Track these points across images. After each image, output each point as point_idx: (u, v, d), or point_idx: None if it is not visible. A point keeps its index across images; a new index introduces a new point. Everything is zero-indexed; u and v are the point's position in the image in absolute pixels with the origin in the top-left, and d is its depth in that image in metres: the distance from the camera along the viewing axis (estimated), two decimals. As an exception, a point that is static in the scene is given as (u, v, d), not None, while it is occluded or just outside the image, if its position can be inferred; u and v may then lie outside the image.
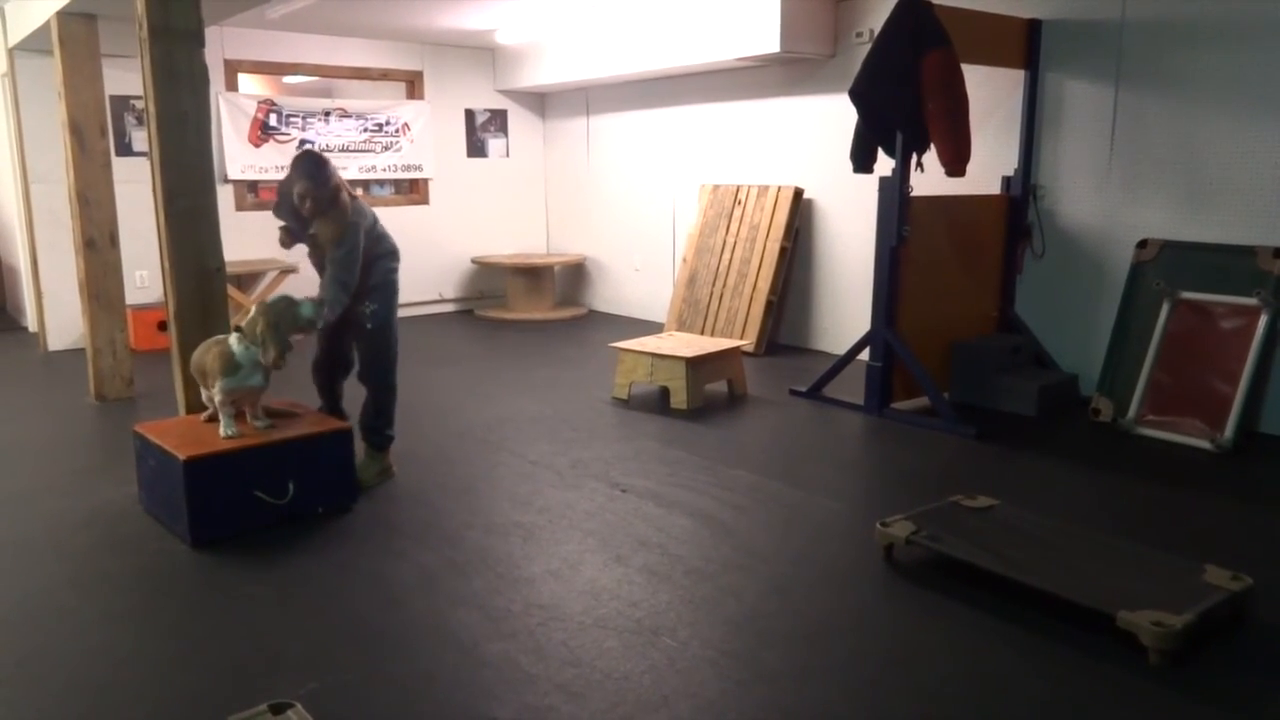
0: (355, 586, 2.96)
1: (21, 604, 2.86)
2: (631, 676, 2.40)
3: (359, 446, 3.90)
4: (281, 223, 3.85)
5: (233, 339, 3.44)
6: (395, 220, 8.17)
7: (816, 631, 2.64)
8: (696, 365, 5.05)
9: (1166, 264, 4.67)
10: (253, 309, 3.49)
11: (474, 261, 8.65)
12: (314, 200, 3.67)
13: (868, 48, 4.72)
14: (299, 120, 7.65)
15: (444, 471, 4.07)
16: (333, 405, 4.14)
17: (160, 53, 3.67)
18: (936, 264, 5.00)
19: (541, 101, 8.92)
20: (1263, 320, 4.28)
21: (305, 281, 7.68)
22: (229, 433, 3.39)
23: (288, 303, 3.51)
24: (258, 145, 7.48)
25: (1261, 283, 4.32)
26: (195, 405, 3.75)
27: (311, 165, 3.70)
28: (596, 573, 3.03)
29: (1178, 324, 4.58)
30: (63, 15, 5.02)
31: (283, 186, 3.83)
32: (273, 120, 7.53)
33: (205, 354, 3.49)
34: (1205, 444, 4.26)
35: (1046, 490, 3.81)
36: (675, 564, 3.09)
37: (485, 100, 8.64)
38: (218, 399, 3.41)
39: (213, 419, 3.55)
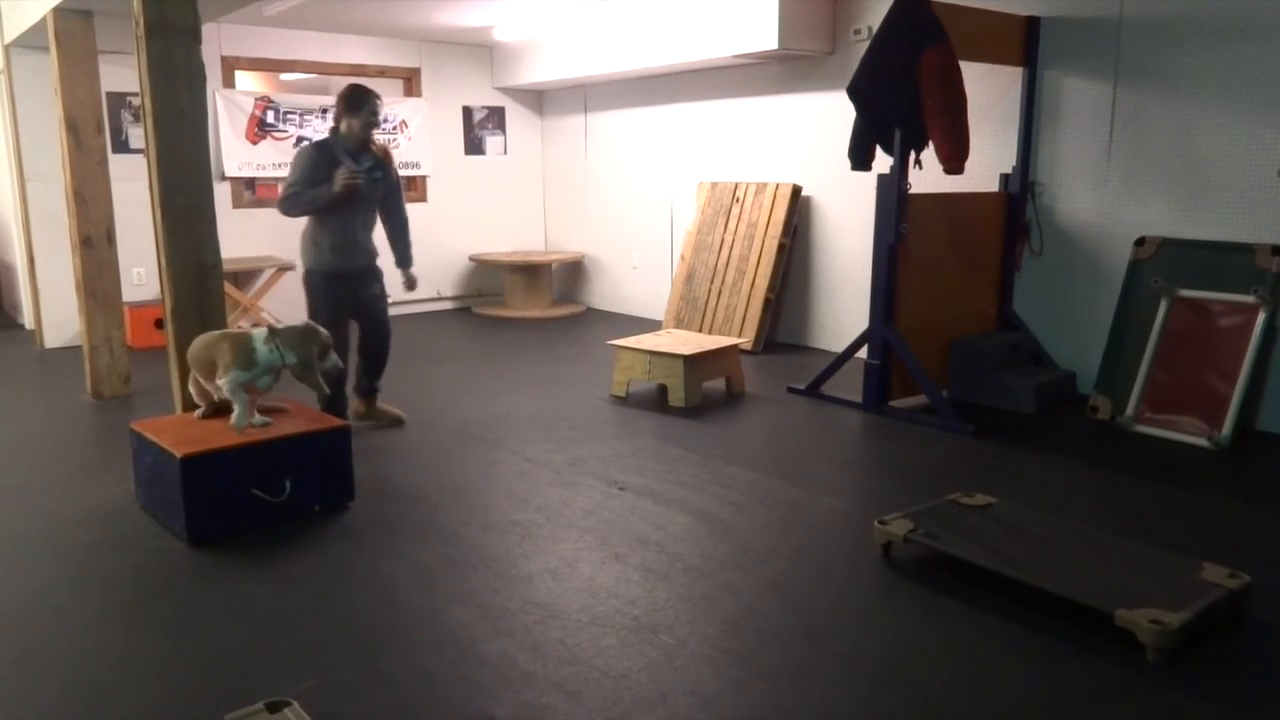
0: (352, 584, 2.96)
1: (18, 602, 2.86)
2: (629, 674, 2.40)
3: (357, 404, 4.60)
4: (349, 168, 4.17)
5: (259, 336, 3.45)
6: (393, 218, 8.24)
7: (814, 629, 2.64)
8: (694, 363, 5.05)
9: (1164, 261, 4.67)
10: (300, 324, 3.54)
11: (472, 259, 8.64)
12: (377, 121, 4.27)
13: (866, 45, 4.71)
14: (296, 117, 7.63)
15: (441, 469, 4.07)
16: (340, 394, 4.38)
17: (157, 49, 3.66)
18: (935, 262, 5.00)
19: (539, 99, 8.91)
20: (1260, 318, 4.28)
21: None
22: (245, 423, 3.39)
23: (329, 341, 3.58)
24: (255, 142, 7.47)
25: (1259, 280, 4.32)
26: (192, 403, 3.74)
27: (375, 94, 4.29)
28: (594, 571, 3.03)
29: (1176, 322, 4.58)
30: (59, 11, 5.00)
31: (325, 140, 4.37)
32: (270, 117, 7.52)
33: (213, 345, 3.46)
34: (1203, 442, 4.26)
35: (1044, 488, 3.81)
36: (673, 562, 3.09)
37: (483, 97, 8.63)
38: (225, 388, 3.40)
39: (210, 416, 3.54)
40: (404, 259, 4.62)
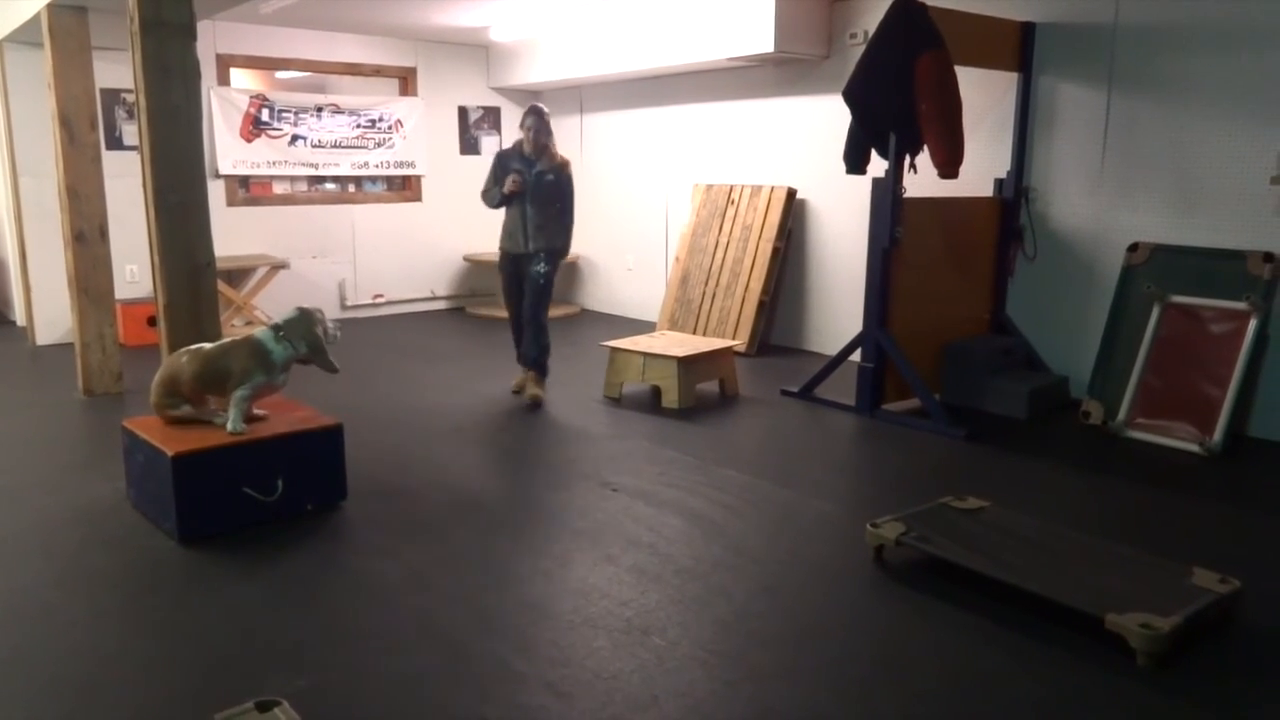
0: (344, 584, 2.95)
1: (7, 601, 2.84)
2: (621, 676, 2.40)
3: (527, 376, 5.27)
4: (515, 171, 5.02)
5: (265, 335, 3.44)
6: (387, 217, 8.25)
7: (806, 632, 2.65)
8: (688, 365, 5.05)
9: (1157, 267, 4.69)
10: (294, 312, 3.52)
11: (466, 259, 8.64)
12: (548, 130, 5.05)
13: (862, 49, 4.72)
14: (291, 115, 7.62)
15: (433, 469, 4.07)
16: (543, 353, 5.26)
17: (152, 46, 3.65)
18: (929, 265, 5.01)
19: (535, 99, 8.90)
20: (1252, 324, 4.30)
21: (296, 279, 7.67)
22: (243, 427, 3.39)
23: (321, 314, 3.60)
24: (249, 140, 7.45)
25: (1251, 287, 4.34)
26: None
27: (544, 110, 5.11)
28: (586, 572, 3.03)
29: (1168, 327, 4.60)
30: (53, 7, 4.99)
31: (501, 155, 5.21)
32: (265, 115, 7.50)
33: (219, 356, 3.42)
34: (1194, 447, 4.27)
35: (1036, 492, 3.82)
36: (665, 563, 3.09)
37: (478, 97, 8.63)
38: (242, 394, 3.38)
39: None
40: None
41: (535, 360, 5.21)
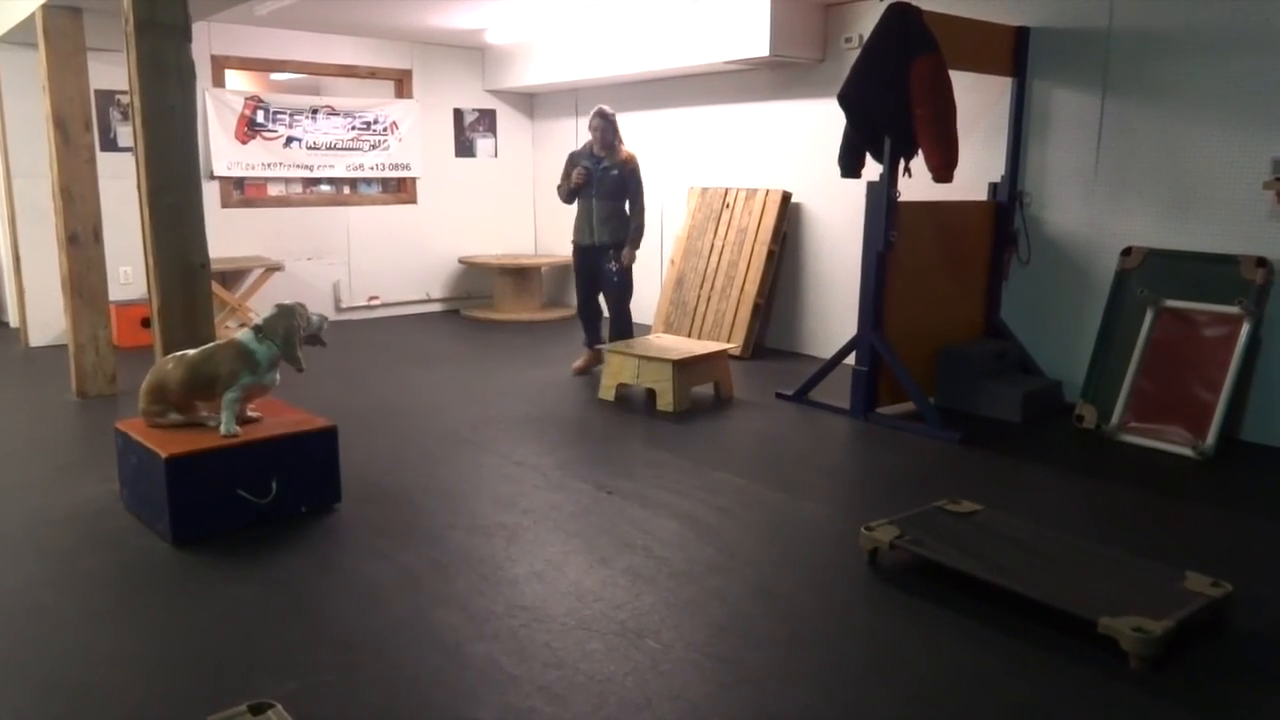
0: (337, 586, 2.94)
1: (-1, 602, 2.84)
2: (614, 679, 2.40)
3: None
4: (581, 165, 5.62)
5: (246, 336, 3.45)
6: (382, 219, 8.24)
7: (800, 635, 2.65)
8: (683, 367, 5.05)
9: (1151, 272, 4.70)
10: (273, 310, 3.52)
11: (461, 261, 8.63)
12: (614, 130, 5.58)
13: (857, 53, 4.74)
14: (286, 117, 7.61)
15: (428, 472, 4.06)
16: (596, 336, 5.93)
17: (147, 47, 3.65)
18: (923, 269, 5.02)
19: (530, 102, 8.92)
20: (1245, 328, 4.32)
21: (290, 279, 7.67)
22: (234, 429, 3.38)
23: (303, 309, 3.60)
24: (244, 142, 7.45)
25: (1244, 291, 4.35)
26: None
27: (609, 111, 5.66)
28: (580, 574, 3.03)
29: (1161, 332, 4.61)
30: (48, 8, 4.98)
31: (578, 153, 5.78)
32: (260, 117, 7.50)
33: (203, 362, 3.43)
34: (1187, 451, 4.29)
35: (1030, 496, 3.83)
36: (659, 566, 3.09)
37: (474, 100, 8.63)
38: (232, 396, 3.39)
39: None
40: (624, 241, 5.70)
41: (596, 341, 5.91)
